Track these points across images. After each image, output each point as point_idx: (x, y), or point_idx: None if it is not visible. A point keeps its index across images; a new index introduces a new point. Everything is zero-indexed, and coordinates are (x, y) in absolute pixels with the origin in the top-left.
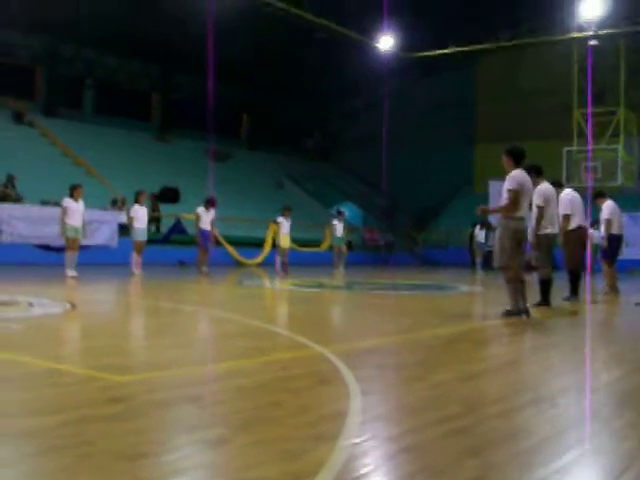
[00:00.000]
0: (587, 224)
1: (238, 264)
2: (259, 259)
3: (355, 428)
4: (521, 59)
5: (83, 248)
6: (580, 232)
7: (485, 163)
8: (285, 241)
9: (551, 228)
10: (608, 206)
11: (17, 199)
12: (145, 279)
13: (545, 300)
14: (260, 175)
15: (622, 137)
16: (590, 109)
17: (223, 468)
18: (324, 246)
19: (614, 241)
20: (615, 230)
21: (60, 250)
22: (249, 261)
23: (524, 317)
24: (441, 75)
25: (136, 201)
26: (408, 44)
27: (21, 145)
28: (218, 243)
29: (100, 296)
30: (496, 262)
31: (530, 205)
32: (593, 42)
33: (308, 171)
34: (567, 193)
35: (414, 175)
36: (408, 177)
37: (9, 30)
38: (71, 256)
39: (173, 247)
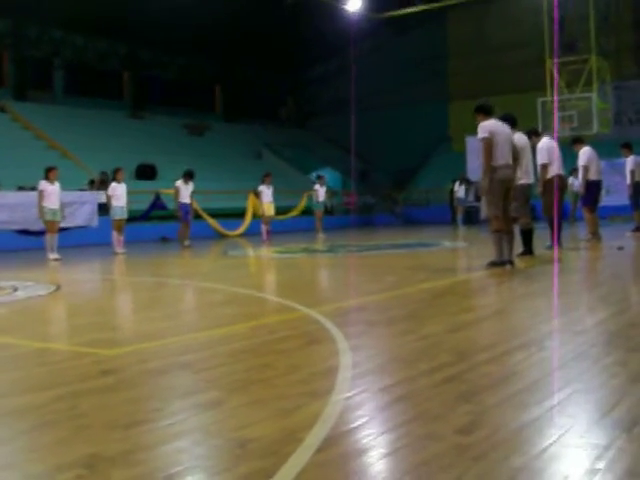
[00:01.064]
0: (565, 172)
1: (221, 236)
2: (241, 230)
3: (347, 382)
4: (490, 13)
5: (63, 230)
6: (558, 180)
7: (461, 119)
8: (269, 209)
9: (526, 178)
10: (585, 152)
11: None
12: (128, 257)
13: (528, 249)
14: (238, 146)
15: (595, 85)
16: (557, 60)
17: (219, 429)
18: (296, 211)
19: (593, 187)
20: (593, 176)
21: (40, 234)
22: (231, 232)
23: (508, 267)
24: (412, 34)
25: (114, 179)
26: (377, 4)
27: None
28: (199, 216)
29: (84, 276)
30: (483, 213)
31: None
32: None
33: (285, 139)
34: (544, 142)
35: (391, 136)
36: (385, 138)
37: None
38: (51, 239)
39: (154, 223)
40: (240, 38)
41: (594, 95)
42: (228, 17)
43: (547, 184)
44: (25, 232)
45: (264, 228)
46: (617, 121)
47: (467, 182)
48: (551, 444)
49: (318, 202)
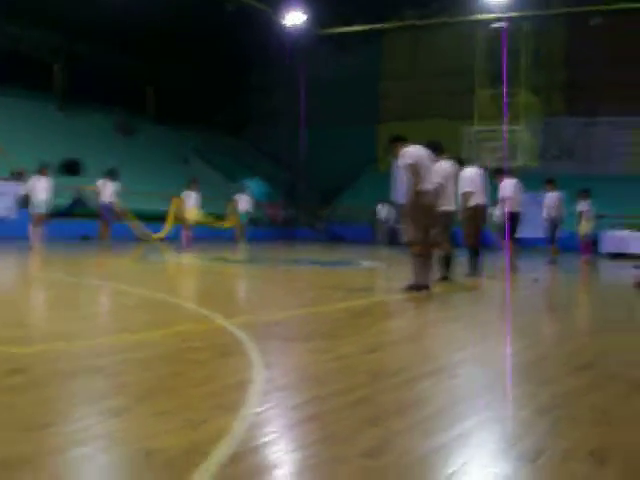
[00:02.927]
0: (486, 202)
1: (142, 239)
2: (162, 233)
3: (257, 398)
4: (425, 39)
5: None
6: (479, 210)
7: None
8: (191, 214)
9: (448, 205)
10: (508, 184)
11: None
12: (46, 253)
13: (446, 276)
14: (166, 150)
15: (522, 119)
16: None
17: (126, 437)
18: (228, 224)
19: (513, 219)
20: (514, 208)
21: None
22: (153, 235)
23: (424, 292)
24: (349, 52)
25: (37, 173)
26: (319, 20)
27: None
28: (121, 217)
29: None
30: (404, 237)
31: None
32: (497, 24)
33: (217, 146)
34: (468, 171)
35: (321, 152)
36: (316, 154)
37: None
38: None
39: (76, 220)
40: (178, 40)
41: (522, 128)
42: (167, 18)
43: (468, 212)
44: None
45: (185, 234)
46: (542, 156)
47: (390, 203)
48: (455, 472)
49: (239, 212)
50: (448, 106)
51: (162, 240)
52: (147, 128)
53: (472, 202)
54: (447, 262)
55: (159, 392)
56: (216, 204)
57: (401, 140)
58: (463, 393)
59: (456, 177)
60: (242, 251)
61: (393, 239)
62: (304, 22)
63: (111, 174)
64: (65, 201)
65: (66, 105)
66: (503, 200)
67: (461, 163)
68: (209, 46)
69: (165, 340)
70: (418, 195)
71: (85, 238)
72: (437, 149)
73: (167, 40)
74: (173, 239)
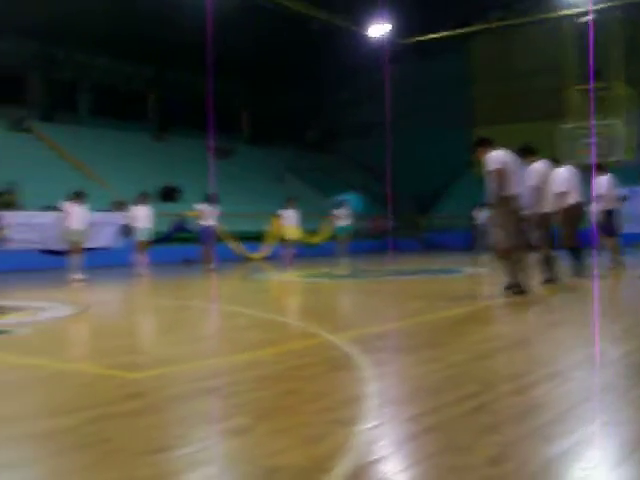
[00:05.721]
0: (584, 200)
1: (244, 259)
2: (264, 253)
3: (372, 411)
4: (514, 39)
5: (87, 250)
6: (575, 209)
7: None
8: (290, 233)
9: (545, 207)
10: (603, 181)
11: (19, 206)
12: (151, 278)
13: (550, 278)
14: (261, 170)
15: (618, 112)
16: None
17: (247, 456)
18: (318, 238)
19: (610, 215)
20: (610, 205)
21: (65, 254)
22: (255, 255)
23: (520, 293)
24: (436, 59)
25: (137, 202)
26: (402, 30)
27: (20, 152)
28: (222, 239)
29: (109, 297)
30: (490, 240)
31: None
32: (584, 18)
33: (309, 163)
34: (562, 170)
35: (415, 160)
36: (409, 163)
37: (0, 38)
38: (76, 259)
39: (177, 245)
40: (266, 62)
41: (619, 122)
42: (254, 41)
43: (566, 213)
44: (50, 252)
45: (287, 252)
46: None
47: (487, 207)
48: (580, 478)
49: (341, 227)
50: (540, 105)
51: (264, 259)
52: (242, 150)
53: (567, 202)
54: (549, 264)
55: (276, 410)
56: (313, 220)
57: (485, 144)
58: (581, 397)
59: (551, 178)
60: (344, 265)
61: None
62: (388, 33)
63: (210, 198)
64: (166, 227)
65: (161, 133)
66: (599, 197)
67: (556, 162)
68: (297, 65)
69: (277, 358)
70: (504, 200)
71: (188, 262)
72: (527, 152)
73: (257, 61)
74: (274, 258)
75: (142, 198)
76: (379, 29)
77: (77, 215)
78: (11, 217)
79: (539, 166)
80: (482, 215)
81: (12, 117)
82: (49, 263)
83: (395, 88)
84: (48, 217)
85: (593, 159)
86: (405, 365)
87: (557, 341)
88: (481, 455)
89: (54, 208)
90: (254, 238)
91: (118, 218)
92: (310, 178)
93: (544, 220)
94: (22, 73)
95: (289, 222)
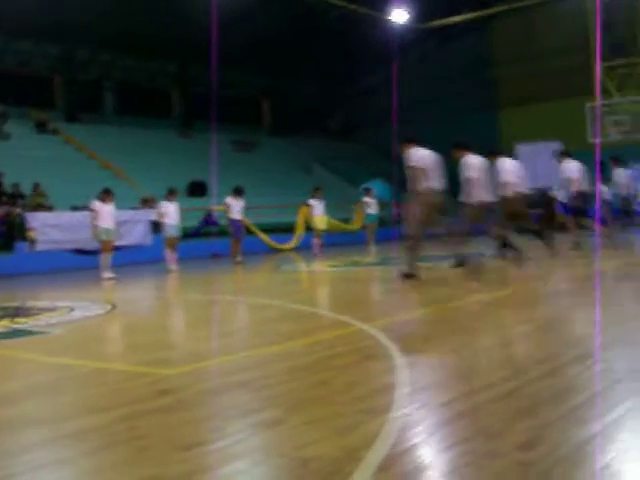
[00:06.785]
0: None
1: (272, 250)
2: (293, 243)
3: (405, 399)
4: (536, 19)
5: (118, 249)
6: (518, 198)
7: (510, 127)
8: (319, 222)
9: (485, 197)
10: (572, 165)
11: (48, 207)
12: (181, 274)
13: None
14: (286, 161)
15: None
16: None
17: (280, 448)
18: (355, 225)
19: (581, 197)
20: (582, 187)
21: (95, 253)
22: (283, 246)
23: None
24: (457, 42)
25: (166, 198)
26: (422, 14)
27: (47, 153)
28: (250, 232)
29: (139, 294)
30: (406, 230)
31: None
32: None
33: (333, 152)
34: (505, 162)
35: (440, 145)
36: (434, 147)
37: (23, 40)
38: (106, 258)
39: (206, 240)
40: (286, 52)
41: None
42: (274, 32)
43: (505, 201)
44: (80, 251)
45: (316, 242)
46: None
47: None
48: (612, 459)
49: (369, 215)
50: (567, 84)
51: (293, 250)
52: (266, 142)
53: (509, 191)
54: (505, 244)
55: (308, 401)
56: (341, 209)
57: (409, 142)
58: (613, 377)
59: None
60: (372, 253)
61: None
62: (408, 19)
63: (237, 192)
64: (195, 222)
65: (186, 129)
66: (570, 180)
67: (494, 154)
68: (317, 55)
69: (307, 349)
70: (417, 194)
71: (216, 255)
72: (463, 147)
73: (276, 52)
74: (302, 248)
75: (171, 194)
76: (399, 14)
77: (106, 213)
78: (41, 218)
79: (475, 159)
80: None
81: (38, 119)
82: (80, 263)
83: (417, 73)
84: (77, 217)
85: (597, 150)
86: (436, 352)
87: (585, 322)
88: (513, 440)
89: (83, 208)
90: (282, 229)
91: (148, 215)
92: (335, 167)
93: (479, 209)
94: (46, 75)
95: (317, 212)
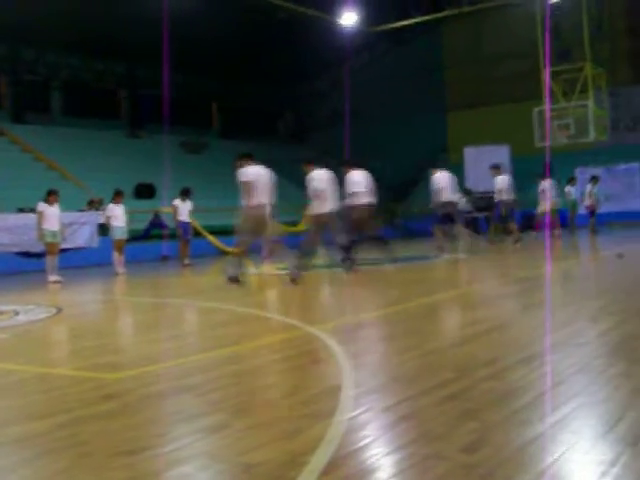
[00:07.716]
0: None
1: (221, 253)
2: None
3: (350, 402)
4: (485, 24)
5: (64, 251)
6: (364, 207)
7: (459, 130)
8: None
9: (332, 207)
10: (441, 176)
11: None
12: (129, 277)
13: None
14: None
15: (591, 92)
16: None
17: (224, 453)
18: (302, 227)
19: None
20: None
21: (41, 256)
22: (232, 249)
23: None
24: (408, 45)
25: (113, 200)
26: (373, 18)
27: None
28: (199, 234)
29: (85, 298)
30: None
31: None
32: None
33: (283, 154)
34: (355, 174)
35: (389, 148)
36: (384, 150)
37: None
38: (51, 261)
39: (154, 243)
40: (236, 54)
41: (590, 102)
42: (223, 33)
43: (355, 210)
44: (25, 254)
45: (264, 245)
46: (614, 128)
47: (468, 192)
48: (555, 460)
49: None
50: (515, 88)
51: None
52: (214, 144)
53: (357, 202)
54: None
55: (253, 406)
56: (291, 212)
57: (243, 158)
58: (556, 379)
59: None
60: (322, 255)
61: (476, 228)
62: (358, 22)
63: (184, 193)
64: (142, 225)
65: (134, 130)
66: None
67: (349, 165)
68: (267, 57)
69: (254, 353)
70: (247, 208)
71: (165, 258)
72: (308, 162)
73: (225, 54)
74: (252, 251)
75: (118, 196)
76: (349, 17)
77: (51, 215)
78: None
79: (321, 173)
80: (462, 200)
81: None
82: (25, 266)
83: (367, 77)
84: (23, 219)
85: (547, 153)
86: (382, 355)
87: (532, 324)
88: (457, 442)
89: (30, 210)
90: (230, 232)
91: (95, 217)
92: (286, 171)
93: (322, 219)
94: None
95: None
